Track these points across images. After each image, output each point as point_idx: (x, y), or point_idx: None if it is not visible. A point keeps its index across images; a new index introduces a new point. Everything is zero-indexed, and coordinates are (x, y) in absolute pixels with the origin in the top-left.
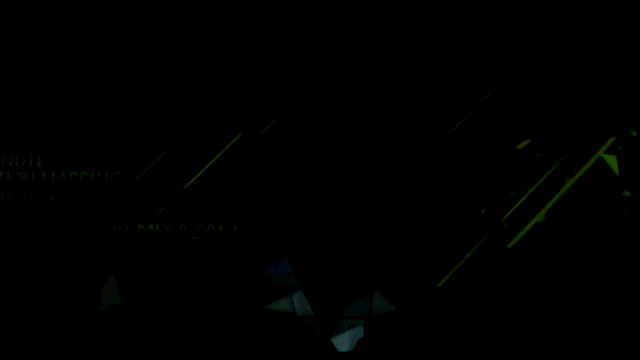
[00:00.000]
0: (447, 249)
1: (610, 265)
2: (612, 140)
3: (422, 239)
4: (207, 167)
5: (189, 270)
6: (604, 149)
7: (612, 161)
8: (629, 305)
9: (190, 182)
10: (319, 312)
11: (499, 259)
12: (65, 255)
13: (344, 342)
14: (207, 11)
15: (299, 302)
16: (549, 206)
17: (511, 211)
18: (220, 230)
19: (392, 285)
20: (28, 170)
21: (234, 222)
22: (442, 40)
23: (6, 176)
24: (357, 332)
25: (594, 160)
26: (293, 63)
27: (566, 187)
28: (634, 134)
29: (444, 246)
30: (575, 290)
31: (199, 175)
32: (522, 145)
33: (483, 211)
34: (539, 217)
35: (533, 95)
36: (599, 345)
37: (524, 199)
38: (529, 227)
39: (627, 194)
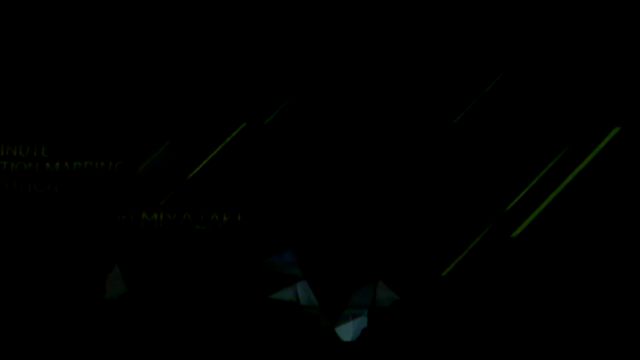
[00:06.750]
0: (451, 238)
1: (613, 256)
2: (615, 130)
3: (426, 229)
4: (211, 156)
5: (193, 260)
6: (607, 139)
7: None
8: (631, 296)
9: (194, 172)
10: (323, 301)
11: (502, 248)
12: (69, 244)
13: (347, 331)
14: (209, 2)
15: (302, 292)
16: (552, 195)
17: (515, 200)
18: (224, 219)
19: (395, 274)
20: (32, 159)
21: (238, 211)
22: (446, 29)
23: (10, 166)
24: (361, 322)
25: (598, 149)
26: (296, 53)
27: (570, 177)
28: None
29: (447, 236)
30: (578, 281)
31: (202, 164)
32: None
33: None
34: (543, 206)
35: (537, 85)
36: (601, 337)
37: (527, 188)
38: (532, 216)
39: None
